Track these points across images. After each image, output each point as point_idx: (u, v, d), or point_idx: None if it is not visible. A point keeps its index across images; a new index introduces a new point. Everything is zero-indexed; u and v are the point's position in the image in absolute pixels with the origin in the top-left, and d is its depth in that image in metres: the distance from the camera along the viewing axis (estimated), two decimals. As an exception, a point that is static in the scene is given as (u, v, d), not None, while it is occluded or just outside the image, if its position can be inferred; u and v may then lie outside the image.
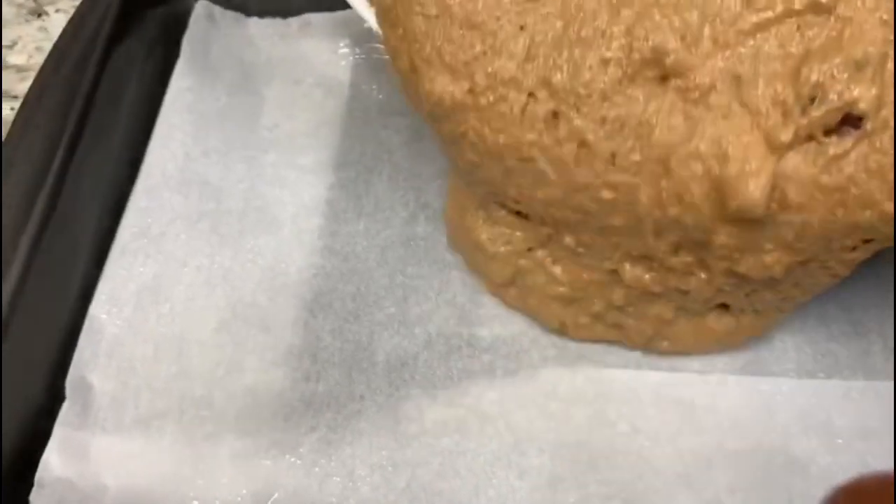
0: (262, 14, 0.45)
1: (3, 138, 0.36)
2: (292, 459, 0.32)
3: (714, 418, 0.33)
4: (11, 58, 0.49)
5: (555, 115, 0.28)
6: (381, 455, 0.32)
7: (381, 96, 0.43)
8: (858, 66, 0.25)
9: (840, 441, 0.32)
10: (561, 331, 0.35)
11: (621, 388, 0.34)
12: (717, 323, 0.33)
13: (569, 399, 0.33)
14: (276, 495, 0.31)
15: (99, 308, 0.35)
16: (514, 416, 0.33)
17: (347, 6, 0.43)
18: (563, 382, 0.34)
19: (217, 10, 0.44)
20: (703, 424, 0.33)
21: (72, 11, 0.40)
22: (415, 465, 0.32)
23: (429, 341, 0.35)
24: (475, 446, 0.32)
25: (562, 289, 0.34)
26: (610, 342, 0.35)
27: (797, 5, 0.26)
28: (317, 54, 0.43)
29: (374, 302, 0.36)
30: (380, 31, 0.32)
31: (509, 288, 0.35)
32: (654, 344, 0.34)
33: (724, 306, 0.33)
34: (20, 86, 0.47)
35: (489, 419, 0.33)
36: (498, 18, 0.28)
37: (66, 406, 0.33)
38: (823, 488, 0.31)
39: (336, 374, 0.34)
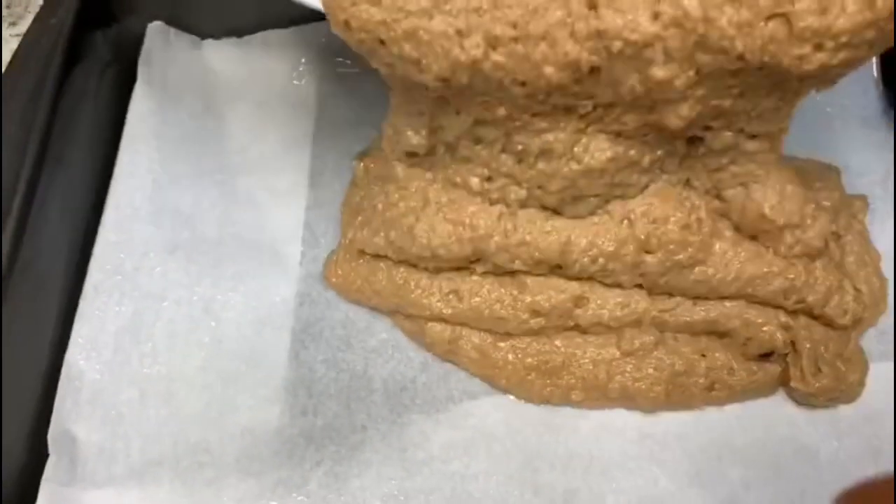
0: (217, 35, 0.43)
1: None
2: (300, 498, 0.31)
3: (719, 415, 0.33)
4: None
5: None
6: (390, 485, 0.31)
7: (349, 110, 0.41)
8: None
9: (844, 425, 0.32)
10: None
11: (627, 395, 0.33)
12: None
13: (574, 412, 0.33)
14: (286, 537, 0.30)
15: (76, 354, 0.33)
16: (521, 433, 0.32)
17: (305, 21, 0.42)
18: (567, 395, 0.33)
19: (172, 31, 0.42)
20: (710, 423, 0.33)
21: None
22: (427, 493, 0.31)
23: (425, 364, 0.34)
24: (486, 467, 0.31)
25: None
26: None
27: None
28: (279, 73, 0.42)
29: (366, 328, 0.35)
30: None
31: (457, 354, 0.34)
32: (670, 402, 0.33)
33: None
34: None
35: (497, 439, 0.32)
36: None
37: (51, 462, 0.31)
38: (834, 474, 0.31)
39: (334, 406, 0.33)
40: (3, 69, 0.36)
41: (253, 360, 0.34)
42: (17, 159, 0.34)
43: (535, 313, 0.33)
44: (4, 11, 0.44)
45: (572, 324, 0.33)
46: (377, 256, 0.35)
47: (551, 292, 0.32)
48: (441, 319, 0.34)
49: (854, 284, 0.33)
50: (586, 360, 0.33)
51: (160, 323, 0.34)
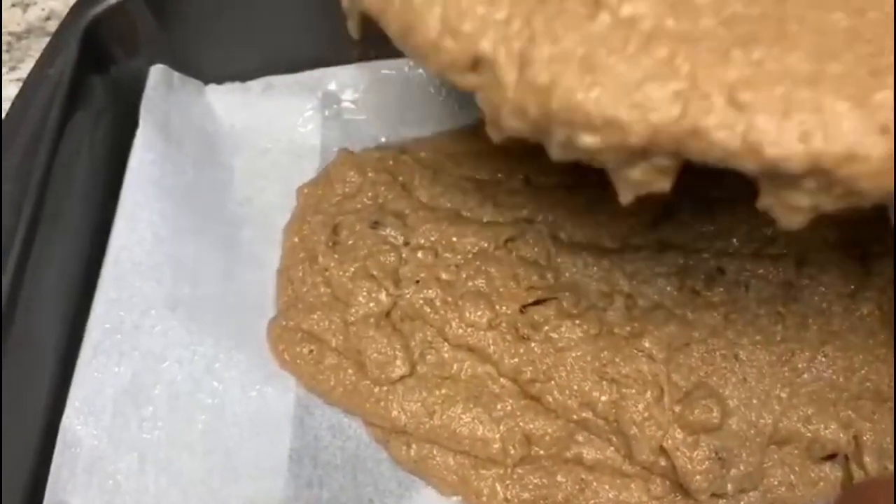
0: (219, 80, 0.42)
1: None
2: (304, 577, 0.30)
3: None
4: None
5: None
6: (397, 564, 0.30)
7: (354, 158, 0.40)
8: None
9: None
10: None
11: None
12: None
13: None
14: None
15: (73, 418, 0.32)
16: (533, 508, 0.31)
17: (311, 66, 0.42)
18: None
19: (175, 76, 0.41)
20: None
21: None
22: (436, 572, 0.30)
23: (434, 431, 0.33)
24: (497, 545, 0.30)
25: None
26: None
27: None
28: (282, 119, 0.41)
29: None
30: None
31: (428, 475, 0.31)
32: None
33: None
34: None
35: (509, 515, 0.31)
36: None
37: (46, 537, 0.30)
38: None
39: (340, 478, 0.32)
40: (3, 117, 0.35)
41: (257, 425, 0.33)
42: (13, 215, 0.33)
43: (525, 440, 0.30)
44: (4, 56, 0.43)
45: (571, 455, 0.29)
46: (318, 338, 0.33)
47: (541, 421, 0.29)
48: (405, 433, 0.31)
49: None
50: (601, 501, 0.28)
51: (161, 385, 0.33)
